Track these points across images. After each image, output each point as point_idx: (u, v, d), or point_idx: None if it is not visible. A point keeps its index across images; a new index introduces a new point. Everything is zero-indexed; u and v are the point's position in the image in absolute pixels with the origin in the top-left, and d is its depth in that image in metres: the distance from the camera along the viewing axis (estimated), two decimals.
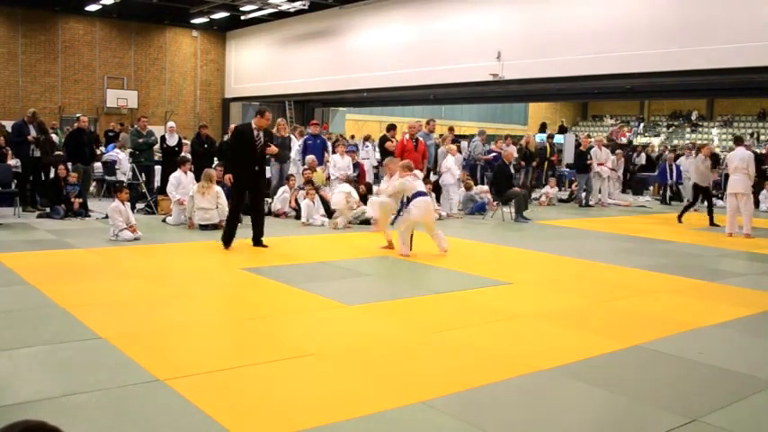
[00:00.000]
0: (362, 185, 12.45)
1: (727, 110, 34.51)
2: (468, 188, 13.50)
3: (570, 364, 4.23)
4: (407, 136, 11.88)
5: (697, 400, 3.74)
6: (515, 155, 14.46)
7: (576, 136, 20.11)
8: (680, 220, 12.47)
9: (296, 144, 13.40)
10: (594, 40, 16.45)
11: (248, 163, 8.17)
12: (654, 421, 3.45)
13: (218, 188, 9.93)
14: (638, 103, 37.49)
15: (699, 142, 24.97)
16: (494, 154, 15.68)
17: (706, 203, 12.76)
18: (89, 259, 7.47)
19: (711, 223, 12.08)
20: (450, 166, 12.79)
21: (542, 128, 23.81)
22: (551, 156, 17.62)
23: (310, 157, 12.60)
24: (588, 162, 15.38)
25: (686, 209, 12.97)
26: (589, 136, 18.27)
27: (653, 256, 8.66)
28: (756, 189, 14.79)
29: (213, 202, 9.84)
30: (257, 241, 8.39)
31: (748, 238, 10.43)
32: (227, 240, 8.27)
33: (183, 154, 12.30)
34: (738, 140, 11.34)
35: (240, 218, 8.69)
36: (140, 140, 12.73)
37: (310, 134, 13.55)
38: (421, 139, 12.09)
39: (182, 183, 10.60)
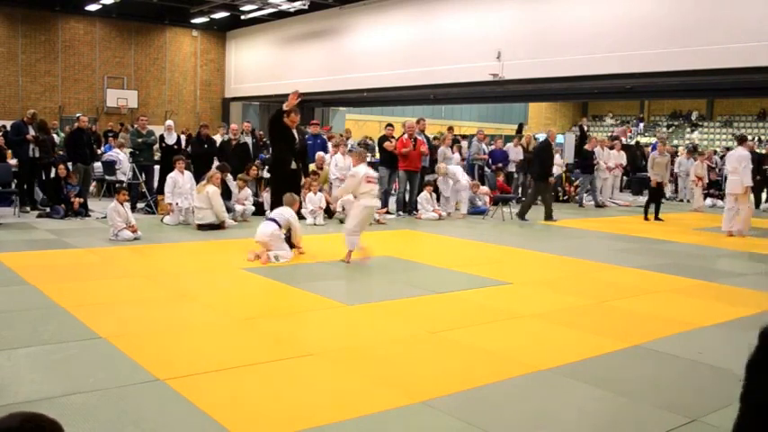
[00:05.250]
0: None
1: (727, 110, 34.51)
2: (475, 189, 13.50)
3: (570, 364, 4.23)
4: (406, 135, 12.00)
5: (697, 400, 3.74)
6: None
7: (577, 136, 20.07)
8: None
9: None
10: (594, 39, 16.43)
11: None
12: (654, 421, 3.45)
13: (211, 189, 9.82)
14: (638, 103, 37.49)
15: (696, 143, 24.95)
16: (492, 148, 15.89)
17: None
18: (89, 259, 7.47)
19: (655, 217, 12.63)
20: (457, 170, 12.74)
21: (519, 129, 22.97)
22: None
23: (320, 154, 12.64)
24: (594, 162, 15.48)
25: None
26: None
27: (653, 256, 8.65)
28: (757, 189, 14.77)
29: (206, 201, 9.79)
30: None
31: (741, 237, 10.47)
32: None
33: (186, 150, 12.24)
34: (741, 139, 11.06)
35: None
36: (140, 140, 12.73)
37: (310, 134, 13.58)
38: (420, 138, 12.18)
39: (178, 183, 10.54)
